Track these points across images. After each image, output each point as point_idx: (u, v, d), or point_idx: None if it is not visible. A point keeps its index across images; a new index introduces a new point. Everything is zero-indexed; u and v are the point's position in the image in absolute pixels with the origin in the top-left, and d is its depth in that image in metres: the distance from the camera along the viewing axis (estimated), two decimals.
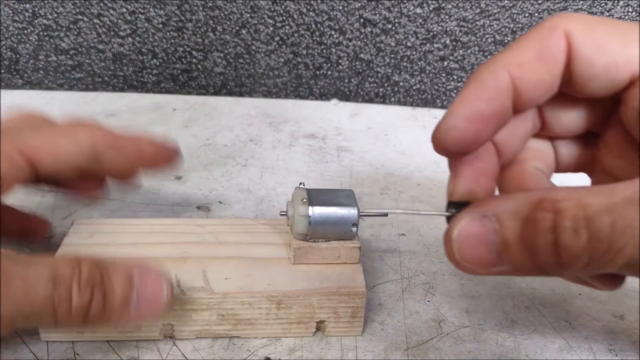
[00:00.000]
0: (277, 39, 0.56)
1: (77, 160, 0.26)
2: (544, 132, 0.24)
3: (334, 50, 0.57)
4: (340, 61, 0.57)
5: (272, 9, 0.55)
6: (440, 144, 0.22)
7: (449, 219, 0.21)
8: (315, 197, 0.28)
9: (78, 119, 0.28)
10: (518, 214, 0.18)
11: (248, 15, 0.55)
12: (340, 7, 0.54)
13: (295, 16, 0.55)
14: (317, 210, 0.27)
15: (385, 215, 0.30)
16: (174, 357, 0.26)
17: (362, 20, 0.55)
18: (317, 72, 0.58)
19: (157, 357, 0.26)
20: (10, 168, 0.24)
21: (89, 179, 0.29)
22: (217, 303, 0.26)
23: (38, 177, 0.25)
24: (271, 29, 0.56)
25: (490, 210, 0.18)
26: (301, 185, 0.29)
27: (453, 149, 0.21)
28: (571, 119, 0.23)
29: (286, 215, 0.29)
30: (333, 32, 0.56)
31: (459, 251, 0.19)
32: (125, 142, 0.28)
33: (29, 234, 0.32)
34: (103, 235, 0.29)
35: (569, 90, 0.21)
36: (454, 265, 0.20)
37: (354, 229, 0.28)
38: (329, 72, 0.58)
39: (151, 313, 0.23)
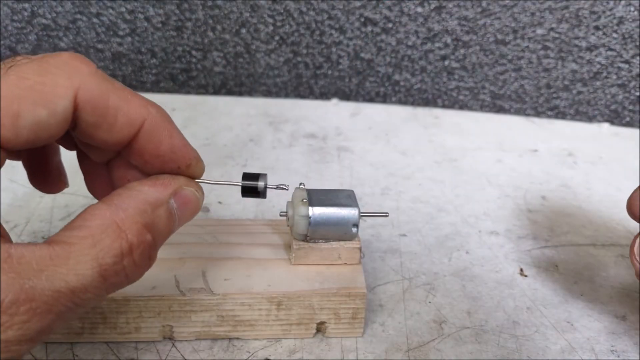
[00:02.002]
0: (277, 38, 0.56)
1: (53, 131, 0.18)
2: None
3: (334, 49, 0.56)
4: (340, 60, 0.57)
5: (272, 8, 0.54)
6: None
7: (242, 188, 0.24)
8: (316, 197, 0.28)
9: (51, 55, 0.19)
10: None
11: (248, 14, 0.55)
12: (341, 6, 0.54)
13: (295, 15, 0.55)
14: (317, 211, 0.27)
15: (386, 215, 0.30)
16: (173, 359, 0.26)
17: (362, 19, 0.55)
18: (317, 72, 0.58)
19: (157, 358, 0.26)
20: None
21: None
22: (217, 304, 0.26)
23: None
24: (271, 28, 0.55)
25: None
26: (301, 186, 0.29)
27: None
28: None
29: (286, 215, 0.28)
30: (333, 31, 0.56)
31: None
32: (118, 107, 0.19)
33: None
34: None
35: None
36: None
37: (355, 229, 0.27)
38: (329, 72, 0.58)
39: (188, 220, 0.22)
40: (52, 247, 0.17)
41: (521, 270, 0.34)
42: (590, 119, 0.58)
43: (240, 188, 0.24)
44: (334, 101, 0.58)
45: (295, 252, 0.28)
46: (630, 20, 0.53)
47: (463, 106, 0.59)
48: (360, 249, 0.28)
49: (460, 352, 0.27)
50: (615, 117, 0.58)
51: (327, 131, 0.50)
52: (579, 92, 0.57)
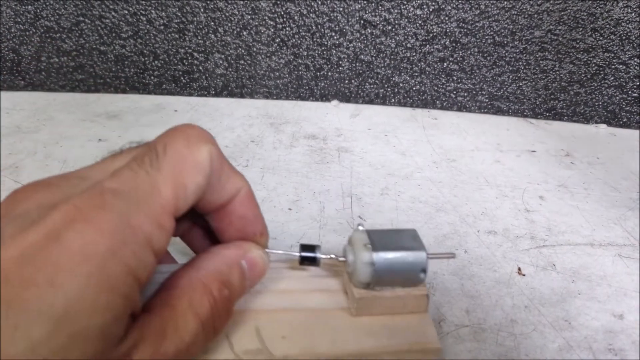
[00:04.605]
0: (277, 40, 0.56)
1: (202, 194, 0.21)
2: None
3: (334, 51, 0.57)
4: (340, 62, 0.57)
5: (273, 11, 0.55)
6: None
7: (301, 258, 0.26)
8: (378, 240, 0.25)
9: (186, 127, 0.22)
10: None
11: (249, 16, 0.55)
12: (341, 9, 0.55)
13: (296, 18, 0.55)
14: (382, 257, 0.24)
15: (453, 256, 0.27)
16: None
17: (362, 21, 0.55)
18: (318, 74, 0.58)
19: None
20: (163, 238, 0.19)
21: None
22: None
23: None
24: (272, 30, 0.56)
25: None
26: (359, 227, 0.26)
27: None
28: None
29: (345, 260, 0.26)
30: (333, 34, 0.56)
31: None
32: (229, 173, 0.23)
33: None
34: None
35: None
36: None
37: (423, 275, 0.25)
38: (330, 74, 0.58)
39: (257, 282, 0.25)
40: (161, 312, 0.20)
41: (519, 269, 0.34)
42: (587, 120, 0.59)
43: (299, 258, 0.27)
44: (334, 103, 0.58)
45: (357, 302, 0.25)
46: (627, 21, 0.54)
47: (461, 107, 0.59)
48: (428, 295, 0.25)
49: (459, 350, 0.28)
50: (613, 118, 0.58)
51: (327, 132, 0.51)
52: (577, 94, 0.57)
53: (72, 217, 0.17)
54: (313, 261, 0.26)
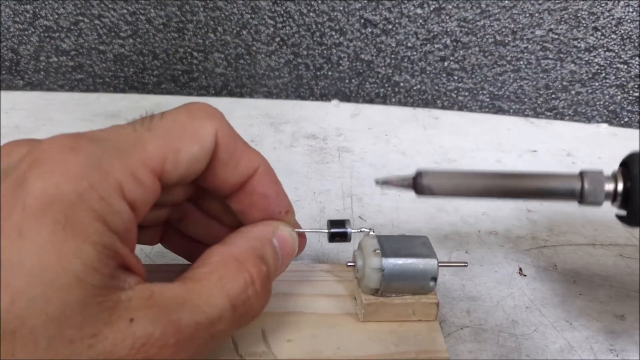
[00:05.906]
0: (277, 39, 0.56)
1: (200, 166, 0.21)
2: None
3: (334, 50, 0.57)
4: (340, 62, 0.57)
5: (273, 10, 0.55)
6: None
7: (331, 235, 0.26)
8: (388, 246, 0.25)
9: (193, 103, 0.21)
10: None
11: (249, 16, 0.55)
12: (341, 8, 0.55)
13: (295, 17, 0.55)
14: (391, 263, 0.24)
15: (465, 265, 0.28)
16: None
17: (362, 20, 0.55)
18: (318, 73, 0.58)
19: None
20: (139, 192, 0.18)
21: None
22: None
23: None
24: (272, 29, 0.56)
25: None
26: (370, 232, 0.26)
27: None
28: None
29: (354, 265, 0.26)
30: (333, 33, 0.56)
31: None
32: (243, 150, 0.22)
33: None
34: None
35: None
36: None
37: (433, 283, 0.25)
38: (330, 73, 0.58)
39: (288, 260, 0.24)
40: (185, 283, 0.19)
41: (520, 269, 0.34)
42: (588, 119, 0.58)
43: (327, 234, 0.26)
44: (335, 102, 0.58)
45: (365, 308, 0.25)
46: (628, 21, 0.53)
47: (462, 107, 0.59)
48: (437, 304, 0.25)
49: (459, 351, 0.28)
50: (614, 118, 0.58)
51: (327, 132, 0.51)
52: (578, 93, 0.57)
53: (38, 160, 0.16)
54: (344, 237, 0.25)
